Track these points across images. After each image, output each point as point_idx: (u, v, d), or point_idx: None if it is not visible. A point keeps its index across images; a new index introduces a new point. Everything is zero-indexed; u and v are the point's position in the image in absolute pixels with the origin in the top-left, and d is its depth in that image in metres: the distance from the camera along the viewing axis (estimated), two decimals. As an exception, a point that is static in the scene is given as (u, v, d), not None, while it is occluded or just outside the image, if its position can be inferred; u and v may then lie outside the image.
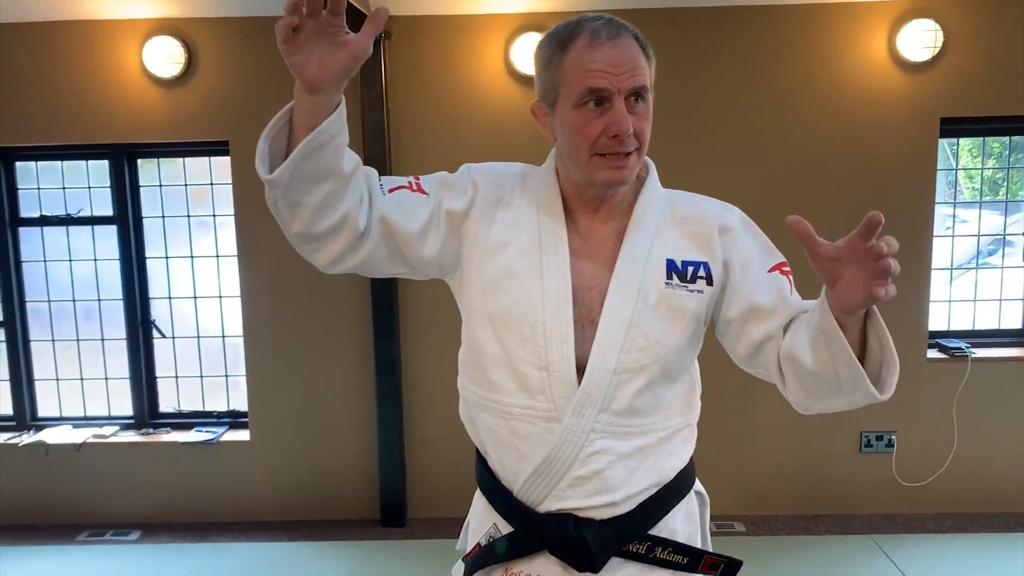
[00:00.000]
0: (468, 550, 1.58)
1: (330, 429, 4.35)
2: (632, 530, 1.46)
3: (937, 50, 3.96)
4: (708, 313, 1.50)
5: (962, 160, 4.66)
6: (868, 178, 4.10)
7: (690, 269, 1.45)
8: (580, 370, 1.42)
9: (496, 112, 4.04)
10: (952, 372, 4.19)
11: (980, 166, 4.46)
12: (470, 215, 1.51)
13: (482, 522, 1.55)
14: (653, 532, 1.48)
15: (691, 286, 1.45)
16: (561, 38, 1.42)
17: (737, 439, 4.30)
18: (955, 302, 4.41)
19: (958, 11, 3.96)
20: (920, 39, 3.94)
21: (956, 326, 4.42)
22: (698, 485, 1.61)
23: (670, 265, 1.45)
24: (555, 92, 1.42)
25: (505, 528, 1.50)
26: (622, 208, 1.50)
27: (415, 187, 1.51)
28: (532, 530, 1.46)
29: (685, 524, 1.53)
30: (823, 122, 4.08)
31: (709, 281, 1.46)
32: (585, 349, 1.42)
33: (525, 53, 3.99)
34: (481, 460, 1.56)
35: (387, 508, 4.30)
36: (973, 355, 4.20)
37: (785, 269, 1.49)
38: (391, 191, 1.49)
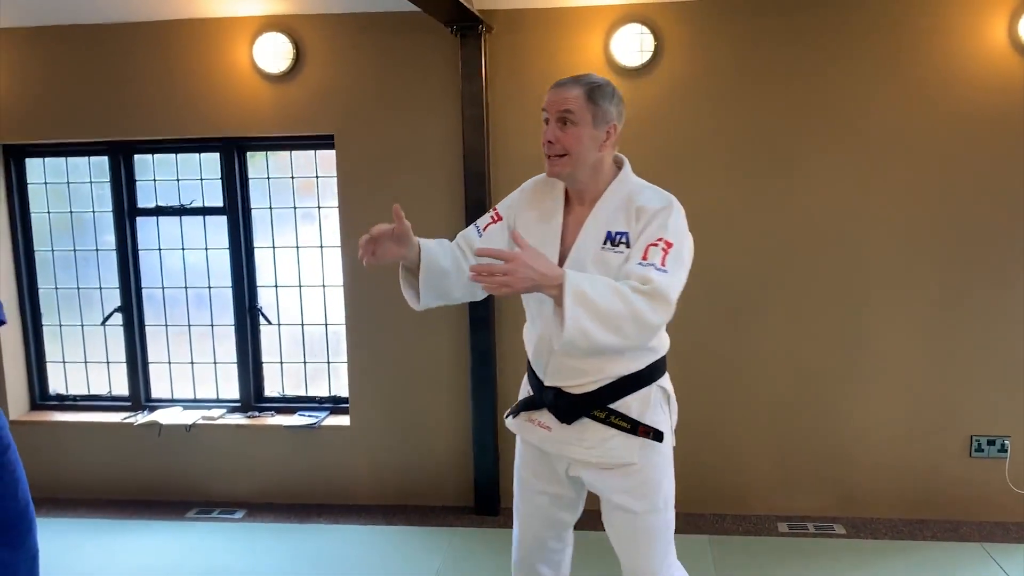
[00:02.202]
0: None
1: (426, 417, 4.43)
2: (596, 402, 2.25)
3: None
4: None
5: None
6: (983, 170, 3.93)
7: (618, 237, 2.18)
8: None
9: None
10: (1073, 375, 3.99)
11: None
12: (514, 207, 2.41)
13: (523, 389, 2.48)
14: (612, 406, 2.25)
15: (616, 249, 2.17)
16: None
17: (837, 438, 4.18)
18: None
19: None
20: (1044, 25, 3.75)
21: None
22: (664, 382, 2.33)
23: (607, 235, 2.19)
24: None
25: (530, 393, 2.42)
26: (597, 197, 2.24)
27: (496, 217, 2.41)
28: (539, 394, 2.35)
29: (639, 405, 2.26)
30: (933, 112, 3.91)
31: (628, 245, 2.16)
32: None
33: (626, 46, 3.97)
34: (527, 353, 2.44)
35: (481, 496, 4.35)
36: (1096, 358, 3.99)
37: (660, 245, 2.08)
38: (484, 229, 2.40)
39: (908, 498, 4.18)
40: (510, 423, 2.49)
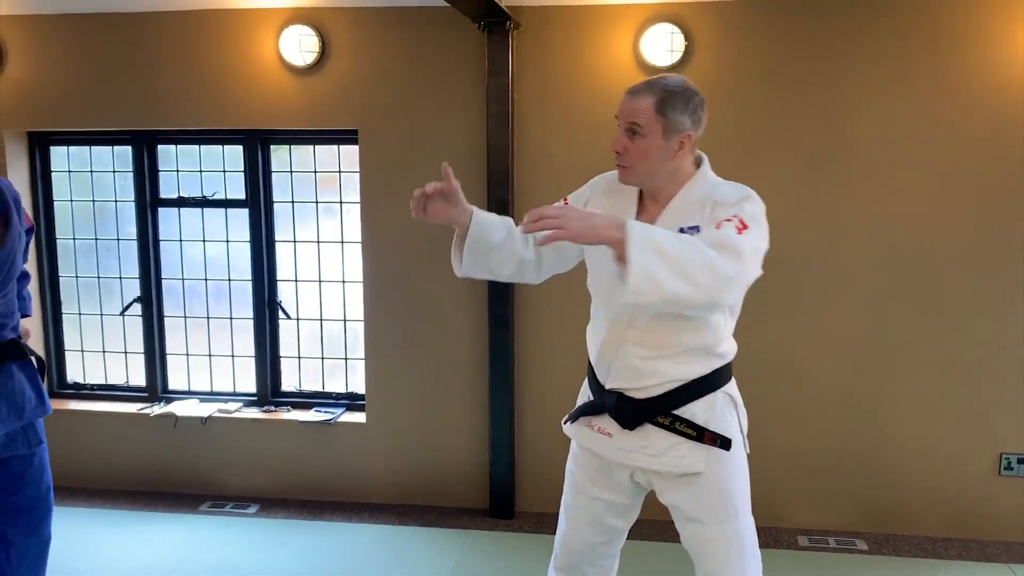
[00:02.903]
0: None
1: (443, 417, 4.38)
2: (660, 408, 2.18)
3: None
4: None
5: None
6: (1019, 181, 3.82)
7: (689, 231, 2.07)
8: None
9: (623, 105, 3.95)
10: (1108, 394, 3.88)
11: None
12: (588, 205, 2.31)
13: (583, 394, 2.40)
14: (677, 412, 2.17)
15: None
16: None
17: (862, 451, 4.09)
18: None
19: None
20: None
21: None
22: (730, 388, 2.25)
23: (680, 231, 2.06)
24: None
25: (591, 398, 2.34)
26: (672, 196, 2.17)
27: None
28: (600, 399, 2.27)
29: (704, 411, 2.18)
30: (975, 120, 3.82)
31: None
32: None
33: (655, 45, 3.90)
34: (589, 356, 2.37)
35: (496, 499, 4.30)
36: None
37: (730, 219, 2.00)
38: None
39: (933, 515, 4.08)
40: (568, 429, 2.41)
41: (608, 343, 2.21)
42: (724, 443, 2.18)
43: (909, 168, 3.89)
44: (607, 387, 2.24)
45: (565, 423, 2.42)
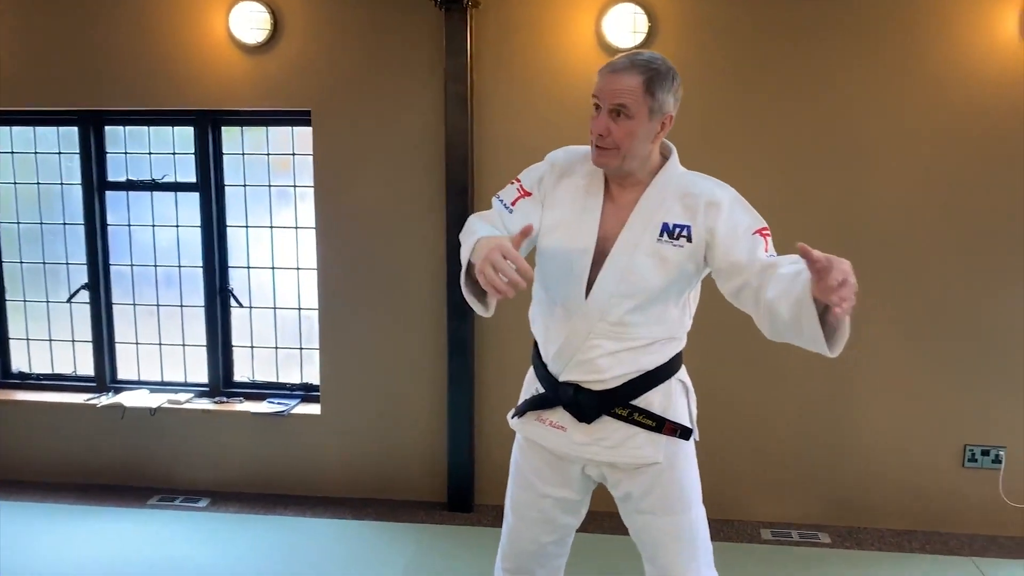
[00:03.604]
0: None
1: (400, 408, 4.27)
2: (618, 399, 2.10)
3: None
4: (693, 262, 2.03)
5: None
6: (989, 171, 3.76)
7: (677, 229, 2.02)
8: (589, 291, 2.05)
9: (586, 86, 3.80)
10: (1073, 385, 3.84)
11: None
12: (545, 183, 2.15)
13: (529, 387, 2.27)
14: (635, 403, 2.10)
15: (675, 242, 2.01)
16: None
17: (824, 444, 4.03)
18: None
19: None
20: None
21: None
22: (683, 375, 2.19)
23: (664, 227, 2.02)
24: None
25: (539, 391, 2.21)
26: (643, 182, 2.07)
27: (523, 192, 2.15)
28: (554, 392, 2.15)
29: (661, 399, 2.12)
30: (943, 106, 3.75)
31: (689, 239, 2.01)
32: (595, 278, 2.04)
33: (618, 25, 3.79)
34: (535, 344, 2.24)
35: (454, 492, 4.20)
36: (1098, 368, 3.83)
37: (764, 233, 1.99)
38: (513, 205, 2.13)
39: (897, 508, 4.03)
40: (515, 424, 2.29)
41: (574, 335, 2.08)
42: (683, 432, 2.13)
43: (878, 156, 3.81)
44: (561, 379, 2.13)
45: (512, 418, 2.31)
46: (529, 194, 2.14)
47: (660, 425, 2.10)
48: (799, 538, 3.94)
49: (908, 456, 3.99)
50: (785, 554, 3.80)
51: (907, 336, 3.91)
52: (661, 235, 2.01)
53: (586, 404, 2.10)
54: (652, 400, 2.11)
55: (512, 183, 2.18)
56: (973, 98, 3.73)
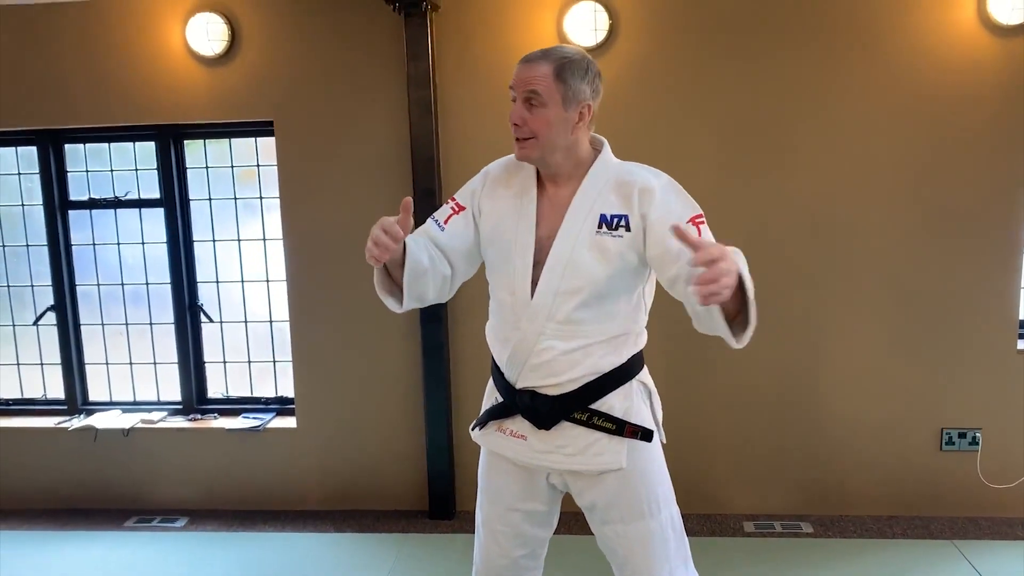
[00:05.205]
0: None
1: (377, 417, 4.23)
2: (576, 403, 2.05)
3: (1033, 12, 3.61)
4: (634, 251, 2.00)
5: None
6: (952, 154, 3.78)
7: (615, 220, 2.00)
8: (535, 292, 2.03)
9: (548, 87, 3.82)
10: (1045, 365, 3.86)
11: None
12: (477, 195, 2.17)
13: (488, 397, 2.25)
14: (594, 406, 2.06)
15: (614, 232, 1.99)
16: None
17: (803, 433, 4.03)
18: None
19: (1057, -32, 3.60)
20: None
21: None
22: (644, 376, 2.14)
23: (602, 218, 2.00)
24: None
25: (499, 400, 2.19)
26: (577, 177, 2.06)
27: (457, 208, 2.17)
28: (511, 399, 2.12)
29: (622, 402, 2.07)
30: (903, 92, 3.76)
31: (627, 228, 1.99)
32: (538, 278, 2.03)
33: (579, 24, 3.77)
34: (493, 355, 2.21)
35: (435, 500, 4.16)
36: (1069, 346, 3.86)
37: (698, 220, 1.97)
38: (446, 223, 2.15)
39: (877, 495, 4.04)
40: (476, 436, 2.26)
41: (524, 339, 2.05)
42: (645, 435, 2.08)
43: (842, 146, 3.82)
44: (518, 387, 2.10)
45: (473, 430, 2.28)
46: (463, 208, 2.16)
47: (620, 428, 2.05)
48: (782, 529, 3.94)
49: (886, 442, 4.00)
50: (769, 546, 3.80)
51: (879, 322, 3.93)
52: (600, 227, 1.99)
53: (543, 409, 2.07)
54: (612, 403, 2.06)
55: (448, 202, 2.19)
56: (932, 83, 3.74)
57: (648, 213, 1.97)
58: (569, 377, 2.04)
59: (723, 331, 1.79)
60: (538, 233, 2.05)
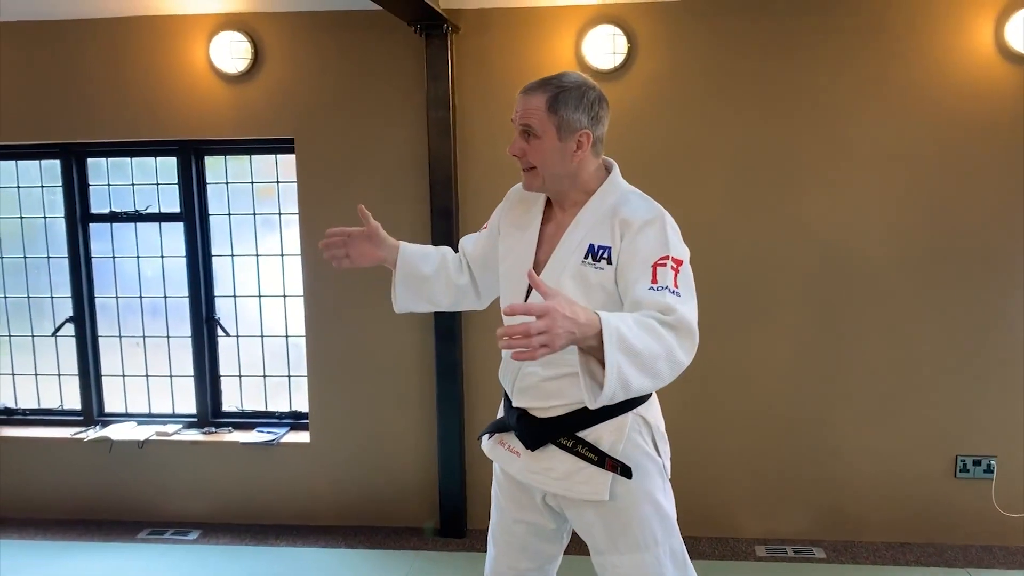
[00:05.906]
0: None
1: (390, 434, 4.24)
2: (562, 429, 2.04)
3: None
4: (615, 284, 1.96)
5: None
6: (967, 181, 3.78)
7: (600, 251, 1.97)
8: None
9: (566, 108, 3.85)
10: (1061, 393, 3.84)
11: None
12: (499, 216, 2.27)
13: (500, 410, 2.29)
14: (581, 434, 2.03)
15: (597, 264, 1.97)
16: None
17: (818, 458, 4.01)
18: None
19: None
20: (1031, 29, 3.61)
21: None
22: (645, 411, 2.07)
23: (590, 248, 1.99)
24: None
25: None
26: (582, 203, 2.05)
27: (487, 226, 2.31)
28: (508, 416, 2.18)
29: (611, 433, 2.02)
30: (919, 118, 3.77)
31: (609, 261, 1.96)
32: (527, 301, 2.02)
33: (597, 47, 3.81)
34: None
35: (446, 517, 4.16)
36: (1085, 375, 3.84)
37: (661, 263, 1.85)
38: (479, 238, 2.32)
39: (891, 521, 4.02)
40: (484, 446, 2.32)
41: (510, 360, 2.10)
42: (624, 471, 2.00)
43: (856, 173, 3.83)
44: (514, 405, 2.14)
45: (480, 438, 2.35)
46: (485, 228, 2.33)
47: (602, 460, 2.01)
48: (794, 554, 3.92)
49: (900, 468, 3.98)
50: (781, 571, 3.78)
51: (898, 347, 3.92)
52: (586, 257, 1.98)
53: (528, 431, 2.08)
54: (600, 434, 2.02)
55: (482, 229, 2.37)
56: (948, 110, 3.75)
57: (620, 248, 1.95)
58: (556, 403, 2.04)
59: (583, 383, 1.70)
60: (537, 256, 2.08)
